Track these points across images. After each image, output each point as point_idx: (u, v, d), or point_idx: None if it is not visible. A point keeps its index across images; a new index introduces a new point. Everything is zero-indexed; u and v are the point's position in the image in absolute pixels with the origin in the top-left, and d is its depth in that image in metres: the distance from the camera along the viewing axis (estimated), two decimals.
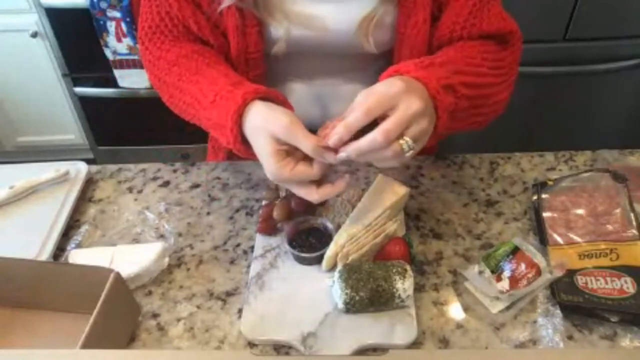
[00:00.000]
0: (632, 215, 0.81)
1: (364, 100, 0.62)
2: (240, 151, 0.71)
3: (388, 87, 0.63)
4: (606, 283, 0.73)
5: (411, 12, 0.80)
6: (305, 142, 0.64)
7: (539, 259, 0.75)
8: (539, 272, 0.74)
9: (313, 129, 0.67)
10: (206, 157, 1.11)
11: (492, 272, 0.76)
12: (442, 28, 0.82)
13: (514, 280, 0.74)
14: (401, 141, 0.62)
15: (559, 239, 0.80)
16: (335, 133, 0.63)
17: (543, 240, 0.81)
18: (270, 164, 0.67)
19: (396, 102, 0.62)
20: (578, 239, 0.79)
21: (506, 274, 0.75)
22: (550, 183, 0.87)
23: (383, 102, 0.62)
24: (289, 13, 0.80)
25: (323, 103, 0.94)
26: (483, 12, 0.81)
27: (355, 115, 0.62)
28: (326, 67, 0.91)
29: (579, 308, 0.72)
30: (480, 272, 0.76)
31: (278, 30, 0.81)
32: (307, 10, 0.80)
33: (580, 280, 0.74)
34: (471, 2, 0.80)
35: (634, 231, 0.78)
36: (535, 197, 0.86)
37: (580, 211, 0.82)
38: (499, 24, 0.82)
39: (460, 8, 0.80)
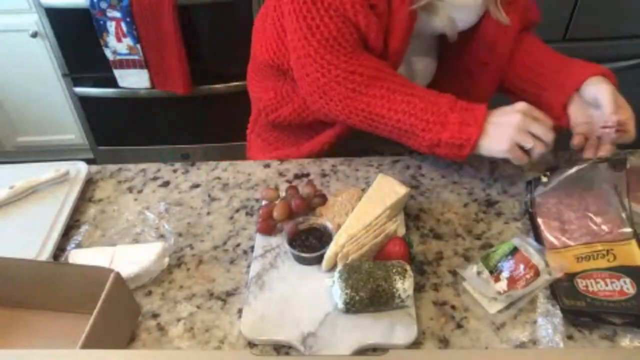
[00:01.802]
0: (624, 214, 0.81)
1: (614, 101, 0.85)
2: (469, 141, 0.83)
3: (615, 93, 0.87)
4: (606, 285, 0.73)
5: None
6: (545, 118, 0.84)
7: (537, 260, 0.75)
8: (537, 273, 0.74)
9: None
10: (206, 158, 1.13)
11: (491, 272, 0.76)
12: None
13: (512, 281, 0.74)
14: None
15: (556, 242, 0.80)
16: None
17: (539, 243, 0.81)
18: (522, 107, 0.83)
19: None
20: (574, 242, 0.79)
21: (504, 274, 0.75)
22: (545, 179, 0.86)
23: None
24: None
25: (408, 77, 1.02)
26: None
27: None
28: (419, 46, 0.99)
29: (583, 313, 0.72)
30: (479, 273, 0.76)
31: (441, 20, 0.89)
32: None
33: (580, 284, 0.74)
34: None
35: (628, 229, 0.78)
36: (527, 198, 0.86)
37: (573, 213, 0.82)
38: (536, 15, 1.02)
39: None
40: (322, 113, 0.94)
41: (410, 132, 0.86)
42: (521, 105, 0.83)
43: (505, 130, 0.81)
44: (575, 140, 0.89)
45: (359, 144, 1.05)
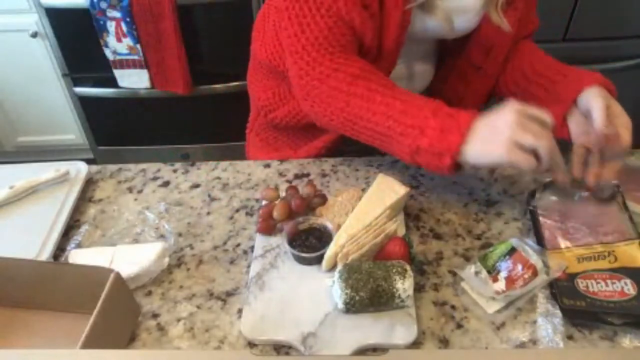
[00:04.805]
0: (626, 215, 0.81)
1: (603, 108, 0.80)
2: (449, 153, 0.76)
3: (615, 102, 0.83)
4: (606, 285, 0.73)
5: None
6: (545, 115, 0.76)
7: (535, 260, 0.75)
8: (535, 273, 0.74)
9: None
10: (206, 158, 1.13)
11: (489, 272, 0.75)
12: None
13: (510, 281, 0.74)
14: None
15: (557, 243, 0.80)
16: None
17: (541, 245, 0.81)
18: (516, 104, 0.76)
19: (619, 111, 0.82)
20: (575, 243, 0.79)
21: (502, 274, 0.75)
22: (538, 195, 0.87)
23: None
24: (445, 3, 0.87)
25: (407, 81, 1.02)
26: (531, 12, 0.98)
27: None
28: (418, 49, 0.98)
29: (583, 313, 0.72)
30: (477, 273, 0.76)
31: (438, 20, 0.87)
32: None
33: (581, 284, 0.74)
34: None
35: (630, 231, 0.78)
36: (530, 202, 0.86)
37: (576, 214, 0.82)
38: (535, 23, 1.02)
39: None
40: (311, 117, 0.92)
41: (388, 136, 0.80)
42: (514, 102, 0.76)
43: (500, 131, 0.73)
44: (576, 172, 0.83)
45: (360, 147, 1.05)
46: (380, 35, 0.87)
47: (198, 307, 0.76)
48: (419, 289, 0.77)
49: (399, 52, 0.90)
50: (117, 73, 1.92)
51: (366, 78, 0.83)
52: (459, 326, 0.73)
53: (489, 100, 1.05)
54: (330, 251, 0.77)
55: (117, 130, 2.18)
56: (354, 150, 1.04)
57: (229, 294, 0.78)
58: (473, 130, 0.75)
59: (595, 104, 0.81)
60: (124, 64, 1.90)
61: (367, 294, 0.70)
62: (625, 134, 0.80)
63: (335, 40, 0.84)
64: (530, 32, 1.01)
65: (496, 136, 0.73)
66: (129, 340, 0.73)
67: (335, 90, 0.84)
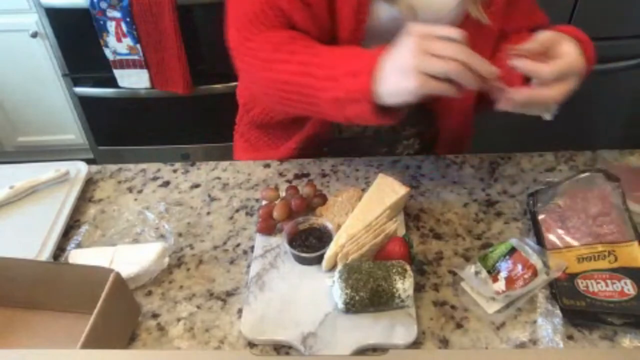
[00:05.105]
0: (626, 215, 0.81)
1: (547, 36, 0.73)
2: (367, 93, 0.70)
3: (567, 41, 0.73)
4: (606, 285, 0.73)
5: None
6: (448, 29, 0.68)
7: (535, 260, 0.75)
8: (535, 273, 0.74)
9: None
10: (206, 158, 1.13)
11: (489, 272, 0.75)
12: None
13: (510, 281, 0.74)
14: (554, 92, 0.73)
15: (557, 243, 0.80)
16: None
17: (541, 245, 0.81)
18: (415, 28, 0.68)
19: (568, 53, 0.73)
20: (575, 243, 0.79)
21: (502, 274, 0.75)
22: (545, 187, 0.87)
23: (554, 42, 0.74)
24: None
25: None
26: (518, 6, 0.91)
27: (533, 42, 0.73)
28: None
29: (583, 313, 0.72)
30: (477, 273, 0.76)
31: (400, 9, 0.80)
32: None
33: (581, 284, 0.74)
34: None
35: (630, 231, 0.78)
36: (530, 202, 0.86)
37: (576, 214, 0.82)
38: (540, 17, 0.95)
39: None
40: (263, 102, 0.91)
41: (312, 96, 0.74)
42: (413, 26, 0.68)
43: (406, 63, 0.66)
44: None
45: (347, 145, 1.04)
46: (333, 24, 0.83)
47: (198, 307, 0.76)
48: (419, 289, 0.77)
49: (358, 43, 0.85)
50: (117, 73, 1.92)
51: (291, 43, 0.80)
52: (459, 326, 0.73)
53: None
54: (330, 251, 0.77)
55: (117, 130, 2.18)
56: (329, 151, 1.03)
57: (229, 294, 0.78)
58: (381, 67, 0.68)
59: (548, 32, 0.75)
60: (124, 64, 1.90)
61: (367, 294, 0.70)
62: (562, 60, 0.73)
63: (267, 21, 0.83)
64: (529, 26, 0.98)
65: (404, 69, 0.66)
66: (129, 340, 0.73)
67: (263, 61, 0.81)
